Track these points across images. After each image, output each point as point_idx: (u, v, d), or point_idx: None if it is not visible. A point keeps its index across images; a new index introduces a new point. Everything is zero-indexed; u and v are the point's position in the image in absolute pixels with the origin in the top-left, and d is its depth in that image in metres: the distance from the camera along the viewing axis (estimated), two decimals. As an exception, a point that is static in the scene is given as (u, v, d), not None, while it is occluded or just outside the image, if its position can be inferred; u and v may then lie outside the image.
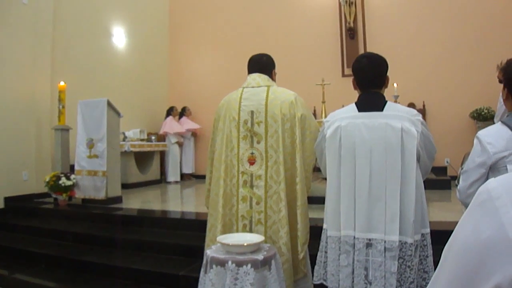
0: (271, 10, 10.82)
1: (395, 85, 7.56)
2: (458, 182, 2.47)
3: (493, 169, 2.15)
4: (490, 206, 0.65)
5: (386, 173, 2.38)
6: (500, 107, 5.92)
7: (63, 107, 7.22)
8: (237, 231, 3.09)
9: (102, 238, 5.39)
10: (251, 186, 3.12)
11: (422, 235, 2.44)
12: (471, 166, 2.25)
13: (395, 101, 6.30)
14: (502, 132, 2.16)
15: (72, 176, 6.71)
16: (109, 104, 6.75)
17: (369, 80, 2.60)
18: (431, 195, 2.44)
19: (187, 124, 10.89)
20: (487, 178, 2.16)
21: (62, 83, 7.22)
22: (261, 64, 3.36)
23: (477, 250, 0.65)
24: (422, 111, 9.00)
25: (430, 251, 2.45)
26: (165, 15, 11.92)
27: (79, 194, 6.79)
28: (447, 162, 8.85)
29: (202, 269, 2.76)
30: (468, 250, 0.67)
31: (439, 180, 7.55)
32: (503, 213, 0.63)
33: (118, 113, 6.99)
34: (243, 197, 3.12)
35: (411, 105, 8.90)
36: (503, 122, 2.19)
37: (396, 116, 2.44)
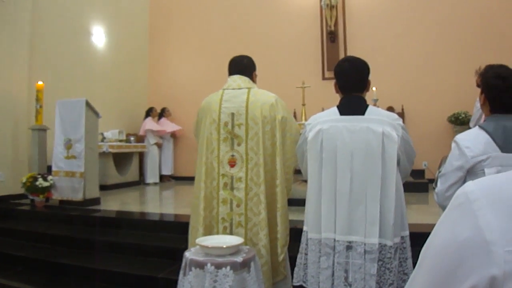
0: (252, 13, 10.83)
1: (374, 88, 7.62)
2: (436, 185, 2.51)
3: (471, 172, 2.19)
4: (468, 209, 0.66)
5: (366, 177, 2.40)
6: (476, 111, 6.02)
7: (41, 107, 7.13)
8: (217, 233, 3.09)
9: (80, 240, 5.33)
10: (232, 189, 3.12)
11: (402, 237, 2.47)
12: (449, 170, 2.29)
13: (375, 105, 6.35)
14: (480, 136, 2.20)
15: (49, 177, 6.62)
16: (87, 104, 6.67)
17: (351, 83, 2.63)
18: (409, 197, 2.48)
19: (166, 125, 10.84)
20: (464, 181, 2.19)
21: (40, 83, 7.13)
22: (242, 66, 3.36)
23: (454, 252, 0.66)
24: (401, 115, 9.09)
25: (409, 254, 2.48)
26: (145, 15, 11.85)
27: (56, 196, 6.70)
28: (425, 165, 8.95)
29: (181, 272, 2.74)
30: (445, 251, 0.68)
31: (417, 183, 7.64)
32: (480, 216, 0.64)
33: (96, 114, 6.92)
34: (224, 199, 3.11)
35: (390, 108, 8.98)
36: (481, 127, 2.23)
37: (378, 120, 2.47)
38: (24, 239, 5.66)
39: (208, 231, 3.11)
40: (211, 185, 3.16)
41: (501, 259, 0.60)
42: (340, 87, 2.68)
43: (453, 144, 2.31)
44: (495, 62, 2.54)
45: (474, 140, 2.21)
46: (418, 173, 8.83)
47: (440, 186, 2.37)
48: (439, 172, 2.50)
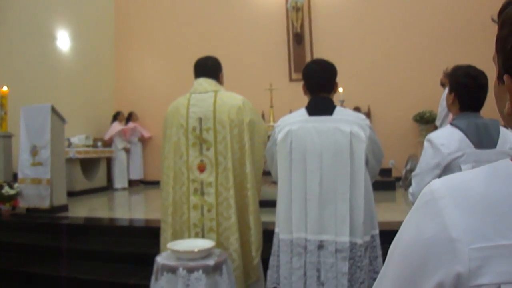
0: (218, 16, 10.81)
1: (340, 89, 7.69)
2: (403, 183, 2.55)
3: (447, 170, 2.21)
4: (433, 207, 0.68)
5: (336, 176, 2.44)
6: (441, 110, 6.16)
7: (5, 113, 6.99)
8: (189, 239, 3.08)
9: (48, 248, 5.24)
10: (202, 194, 3.11)
11: (372, 236, 2.51)
12: (425, 169, 2.31)
13: (341, 105, 6.43)
14: (453, 133, 2.25)
15: (16, 185, 6.48)
16: (53, 110, 6.55)
17: (319, 85, 2.67)
18: (376, 196, 2.51)
19: (133, 131, 10.75)
20: None
21: (4, 88, 6.98)
22: (207, 68, 3.33)
23: (420, 249, 0.67)
24: (367, 115, 9.20)
25: (379, 252, 2.52)
26: (111, 19, 11.70)
27: (23, 204, 6.56)
28: (392, 163, 9.09)
29: (153, 277, 2.74)
30: (411, 249, 0.69)
31: (384, 182, 7.75)
32: (445, 214, 0.66)
33: (62, 119, 6.81)
34: (194, 205, 3.10)
35: (357, 109, 9.09)
36: (453, 125, 2.28)
37: (345, 120, 2.51)
38: (-10, 248, 5.54)
39: (178, 237, 3.10)
40: (180, 190, 3.15)
41: (466, 256, 0.62)
42: (308, 88, 2.72)
43: (426, 143, 2.34)
44: (458, 62, 2.60)
45: (448, 137, 2.24)
46: (385, 172, 8.95)
47: (416, 186, 2.38)
48: (407, 169, 2.54)
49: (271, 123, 6.95)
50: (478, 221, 0.64)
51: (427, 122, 8.88)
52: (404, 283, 0.70)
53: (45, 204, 6.39)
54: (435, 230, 0.66)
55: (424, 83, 9.05)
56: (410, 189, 2.45)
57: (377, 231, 2.56)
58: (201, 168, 3.12)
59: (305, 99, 2.75)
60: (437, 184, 0.71)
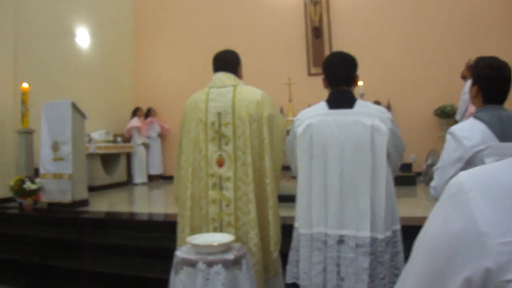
0: (236, 10, 10.80)
1: (360, 83, 7.65)
2: (424, 178, 2.50)
3: (470, 163, 2.16)
4: (461, 199, 0.66)
5: (356, 170, 2.40)
6: (462, 104, 6.06)
7: (26, 109, 7.06)
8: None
9: (69, 242, 5.30)
10: (220, 188, 3.10)
11: (393, 231, 2.46)
12: (447, 162, 2.26)
13: (361, 99, 6.39)
14: (476, 126, 2.20)
15: (37, 180, 6.57)
16: (73, 106, 6.63)
17: (340, 78, 2.64)
18: (396, 191, 2.48)
19: (152, 126, 10.81)
20: None
21: (25, 85, 7.06)
22: (226, 62, 3.31)
23: (447, 243, 0.65)
24: (387, 109, 9.10)
25: (401, 248, 2.47)
26: (130, 15, 11.77)
27: (44, 198, 6.65)
28: (412, 158, 9.01)
29: (172, 271, 2.74)
30: (438, 243, 0.67)
31: (404, 177, 7.66)
32: (474, 207, 0.64)
33: (83, 115, 6.88)
34: (213, 199, 3.10)
35: (376, 103, 8.97)
36: (476, 117, 2.23)
37: (366, 113, 2.47)
38: (13, 242, 5.62)
39: (196, 231, 3.09)
40: (199, 185, 3.14)
41: (495, 250, 0.60)
42: (329, 81, 2.68)
43: (448, 136, 2.30)
44: (480, 54, 2.56)
45: (471, 130, 2.19)
46: (405, 167, 8.88)
47: (438, 180, 2.34)
48: (427, 164, 2.50)
49: (290, 118, 6.92)
50: (507, 215, 0.62)
51: (448, 116, 8.75)
52: (431, 277, 0.68)
53: (67, 198, 6.48)
54: (463, 223, 0.64)
55: (445, 76, 8.93)
56: (432, 183, 2.39)
57: (398, 226, 2.51)
58: (220, 163, 3.12)
59: (324, 94, 2.71)
60: (464, 176, 0.69)
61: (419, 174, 7.93)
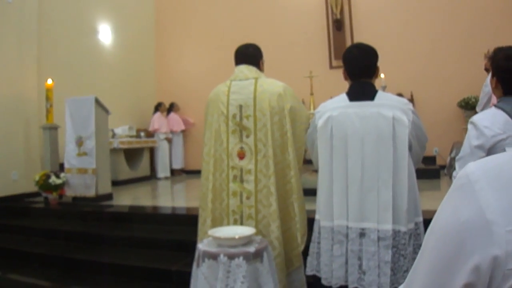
0: (257, 3, 10.77)
1: (382, 75, 7.57)
2: (448, 171, 2.47)
3: (491, 153, 2.11)
4: (469, 190, 0.67)
5: (378, 162, 2.38)
6: (483, 96, 5.95)
7: (51, 105, 7.15)
8: (228, 226, 3.09)
9: (94, 235, 5.37)
10: (241, 181, 3.11)
11: (416, 223, 2.44)
12: (467, 151, 2.22)
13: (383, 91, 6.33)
14: (497, 115, 2.15)
15: (62, 175, 6.67)
16: (97, 101, 6.72)
17: (360, 69, 2.61)
18: (420, 184, 2.45)
19: (174, 121, 10.86)
20: None
21: (49, 81, 7.16)
22: (248, 55, 3.31)
23: (456, 233, 0.66)
24: (410, 101, 8.98)
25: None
26: (151, 10, 11.84)
27: (69, 192, 6.75)
28: (436, 151, 8.91)
29: (195, 263, 2.76)
30: (447, 232, 0.68)
31: (428, 170, 7.58)
32: (481, 196, 0.65)
33: (106, 110, 6.97)
34: (234, 191, 3.11)
35: (399, 95, 8.88)
36: (498, 106, 2.18)
37: (387, 105, 2.45)
38: (39, 236, 5.71)
39: (217, 223, 3.11)
40: (220, 177, 3.16)
41: (503, 239, 0.61)
42: (349, 73, 2.66)
43: (469, 126, 2.25)
44: (502, 45, 2.51)
45: (492, 120, 2.14)
46: (429, 160, 8.77)
47: (459, 170, 2.25)
48: (451, 157, 2.45)
49: (312, 111, 6.90)
50: None
51: (472, 108, 8.57)
52: (440, 266, 0.69)
53: (91, 193, 6.57)
54: (470, 213, 0.65)
55: (469, 68, 8.76)
56: (454, 173, 2.37)
57: (421, 219, 2.49)
58: (241, 155, 3.12)
59: (346, 87, 2.69)
60: (472, 167, 0.69)
61: (443, 167, 7.84)
